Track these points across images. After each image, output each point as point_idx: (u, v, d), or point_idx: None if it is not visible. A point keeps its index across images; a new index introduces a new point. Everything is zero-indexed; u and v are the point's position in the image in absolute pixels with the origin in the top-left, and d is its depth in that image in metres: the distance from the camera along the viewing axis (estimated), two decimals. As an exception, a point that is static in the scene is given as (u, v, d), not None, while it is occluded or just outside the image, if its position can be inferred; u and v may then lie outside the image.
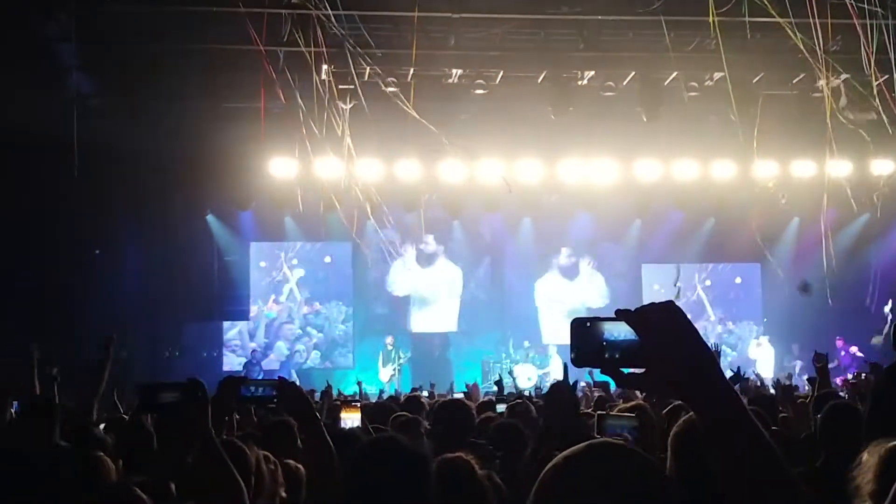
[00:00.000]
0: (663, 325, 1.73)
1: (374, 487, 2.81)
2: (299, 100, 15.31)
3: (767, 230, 22.07)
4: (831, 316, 20.82)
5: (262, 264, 23.00)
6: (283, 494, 4.67)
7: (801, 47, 14.02)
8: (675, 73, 17.75)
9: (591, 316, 1.87)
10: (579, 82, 18.10)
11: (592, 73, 17.88)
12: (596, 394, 12.17)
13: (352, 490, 2.86)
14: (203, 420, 3.56)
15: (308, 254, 23.01)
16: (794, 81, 17.58)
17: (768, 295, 23.62)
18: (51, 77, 16.17)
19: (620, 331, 1.79)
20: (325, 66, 15.61)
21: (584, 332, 1.85)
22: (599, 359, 1.82)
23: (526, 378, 20.40)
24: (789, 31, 13.66)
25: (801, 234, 21.86)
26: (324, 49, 14.75)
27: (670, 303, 1.76)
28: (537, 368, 22.10)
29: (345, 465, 3.03)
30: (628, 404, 6.39)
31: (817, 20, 13.23)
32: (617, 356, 1.80)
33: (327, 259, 23.14)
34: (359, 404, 5.39)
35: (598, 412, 4.70)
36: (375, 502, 2.79)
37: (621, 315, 1.77)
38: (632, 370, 1.78)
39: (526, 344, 23.08)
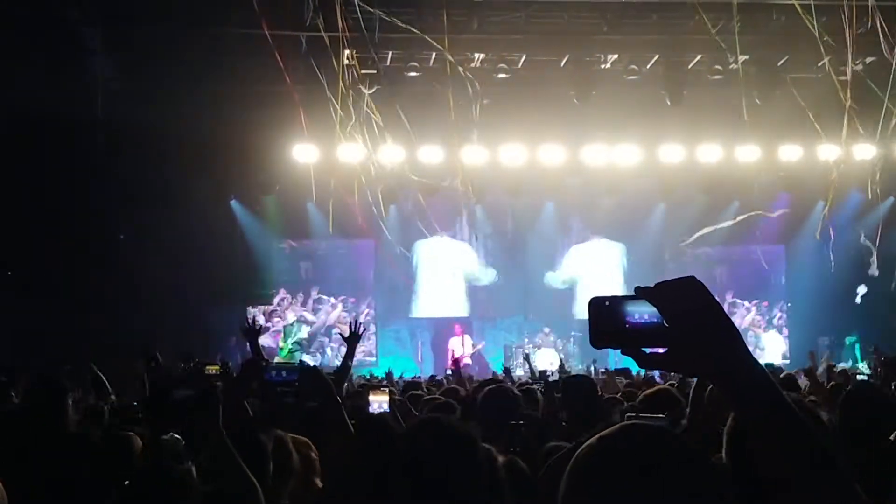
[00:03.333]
0: (685, 302, 1.66)
1: (425, 468, 2.81)
2: (326, 86, 15.31)
3: (792, 214, 21.99)
4: (855, 303, 20.71)
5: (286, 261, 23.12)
6: (320, 483, 4.66)
7: (814, 31, 13.94)
8: (698, 57, 17.63)
9: (610, 295, 1.77)
10: (602, 66, 18.04)
11: (616, 56, 17.81)
12: (619, 380, 12.06)
13: (401, 470, 2.86)
14: (213, 424, 3.62)
15: (329, 250, 23.00)
16: (819, 64, 17.43)
17: (791, 278, 23.44)
18: (74, 61, 16.22)
19: (641, 309, 1.71)
20: (346, 51, 15.60)
21: (603, 312, 1.75)
22: (619, 339, 1.73)
23: (548, 363, 20.35)
24: (804, 16, 13.59)
25: (825, 218, 21.66)
26: (346, 34, 14.73)
27: (691, 278, 1.68)
28: (559, 353, 22.08)
29: (396, 445, 3.03)
30: (652, 389, 6.35)
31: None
32: (637, 335, 1.71)
33: (347, 254, 23.20)
34: (387, 388, 5.38)
35: (627, 414, 4.68)
36: (426, 483, 2.79)
37: (641, 292, 1.70)
38: (653, 350, 1.70)
39: (546, 330, 23.07)
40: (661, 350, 1.69)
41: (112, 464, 4.32)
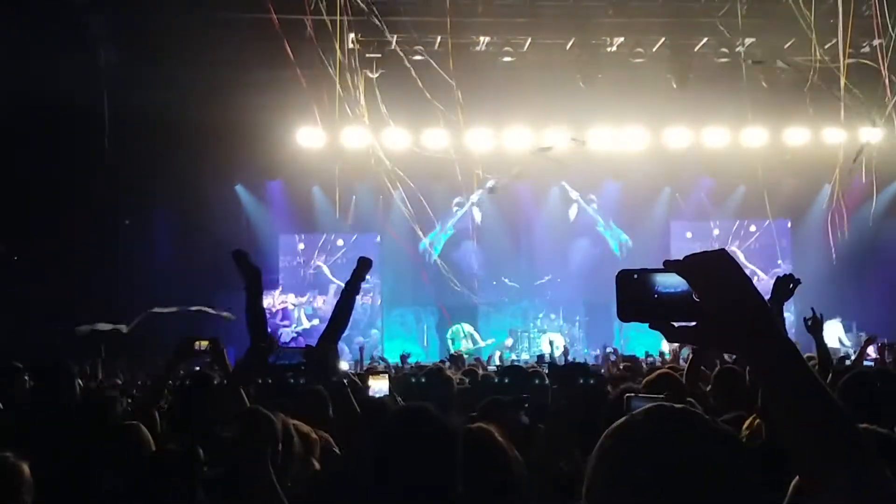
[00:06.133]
0: (715, 274, 1.63)
1: (404, 456, 2.81)
2: (332, 70, 15.26)
3: (798, 197, 21.96)
4: (867, 284, 20.63)
5: (298, 258, 23.11)
6: (317, 465, 4.66)
7: (808, 20, 13.89)
8: (705, 40, 17.55)
9: (638, 268, 1.74)
10: (608, 49, 17.93)
11: (622, 39, 17.71)
12: (621, 364, 12.07)
13: (381, 457, 2.87)
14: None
15: (335, 233, 23.01)
16: (826, 47, 17.32)
17: (798, 258, 23.31)
18: (80, 47, 16.20)
19: (669, 282, 1.69)
20: (351, 35, 15.55)
21: (631, 285, 1.73)
22: (647, 312, 1.70)
23: (555, 347, 20.39)
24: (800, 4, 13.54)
25: (831, 201, 21.57)
26: (347, 17, 14.67)
27: (722, 251, 1.66)
28: (564, 337, 22.11)
29: (375, 432, 3.04)
30: (653, 375, 6.35)
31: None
32: (666, 309, 1.68)
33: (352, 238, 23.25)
34: (387, 373, 5.36)
35: (626, 394, 4.68)
36: (405, 470, 2.79)
37: (670, 265, 1.67)
38: (682, 323, 1.67)
39: (552, 316, 23.08)
40: (689, 324, 1.66)
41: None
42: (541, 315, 23.25)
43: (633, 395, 4.66)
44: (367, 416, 3.96)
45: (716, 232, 23.21)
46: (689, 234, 23.51)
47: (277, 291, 22.83)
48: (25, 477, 3.53)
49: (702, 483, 1.63)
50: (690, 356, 7.00)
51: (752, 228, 23.69)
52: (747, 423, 3.81)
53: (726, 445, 1.69)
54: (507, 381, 5.37)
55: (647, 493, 1.63)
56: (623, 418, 1.75)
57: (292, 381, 5.39)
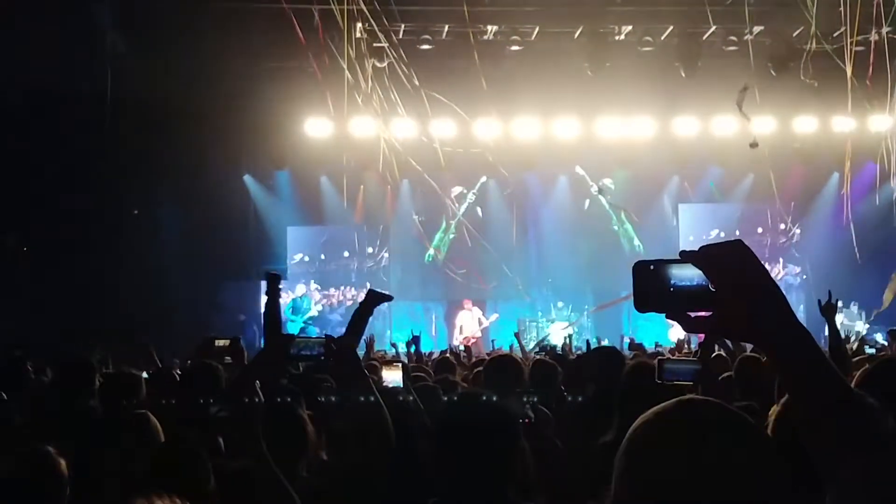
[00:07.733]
0: (732, 264, 1.64)
1: (464, 441, 2.82)
2: (343, 60, 15.25)
3: (806, 185, 21.90)
4: (875, 275, 20.58)
5: (299, 257, 23.08)
6: (325, 457, 4.67)
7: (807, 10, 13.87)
8: (713, 28, 17.49)
9: (655, 259, 1.76)
10: (616, 37, 17.89)
11: (630, 27, 17.67)
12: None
13: (441, 442, 2.87)
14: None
15: (343, 223, 22.97)
16: (835, 35, 17.25)
17: (806, 246, 23.22)
18: (87, 35, 16.19)
19: (685, 273, 1.71)
20: (358, 25, 15.53)
21: (647, 276, 1.75)
22: (663, 302, 1.73)
23: (561, 337, 20.34)
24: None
25: (840, 190, 21.52)
26: (355, 6, 14.66)
27: (739, 241, 1.66)
28: (573, 327, 22.06)
29: (435, 417, 3.05)
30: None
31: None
32: (682, 299, 1.71)
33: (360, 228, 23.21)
34: (400, 364, 5.32)
35: (659, 357, 4.67)
36: (464, 456, 2.80)
37: (686, 256, 1.68)
38: (698, 313, 1.70)
39: (559, 304, 23.04)
40: (706, 313, 1.68)
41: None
42: (549, 305, 23.19)
43: (664, 358, 4.67)
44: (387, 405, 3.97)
45: (718, 234, 23.04)
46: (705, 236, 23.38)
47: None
48: (63, 471, 3.58)
49: (732, 477, 1.62)
50: (700, 345, 7.01)
51: (760, 218, 23.62)
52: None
53: (755, 441, 1.68)
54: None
55: (678, 486, 1.63)
56: (653, 409, 1.74)
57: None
